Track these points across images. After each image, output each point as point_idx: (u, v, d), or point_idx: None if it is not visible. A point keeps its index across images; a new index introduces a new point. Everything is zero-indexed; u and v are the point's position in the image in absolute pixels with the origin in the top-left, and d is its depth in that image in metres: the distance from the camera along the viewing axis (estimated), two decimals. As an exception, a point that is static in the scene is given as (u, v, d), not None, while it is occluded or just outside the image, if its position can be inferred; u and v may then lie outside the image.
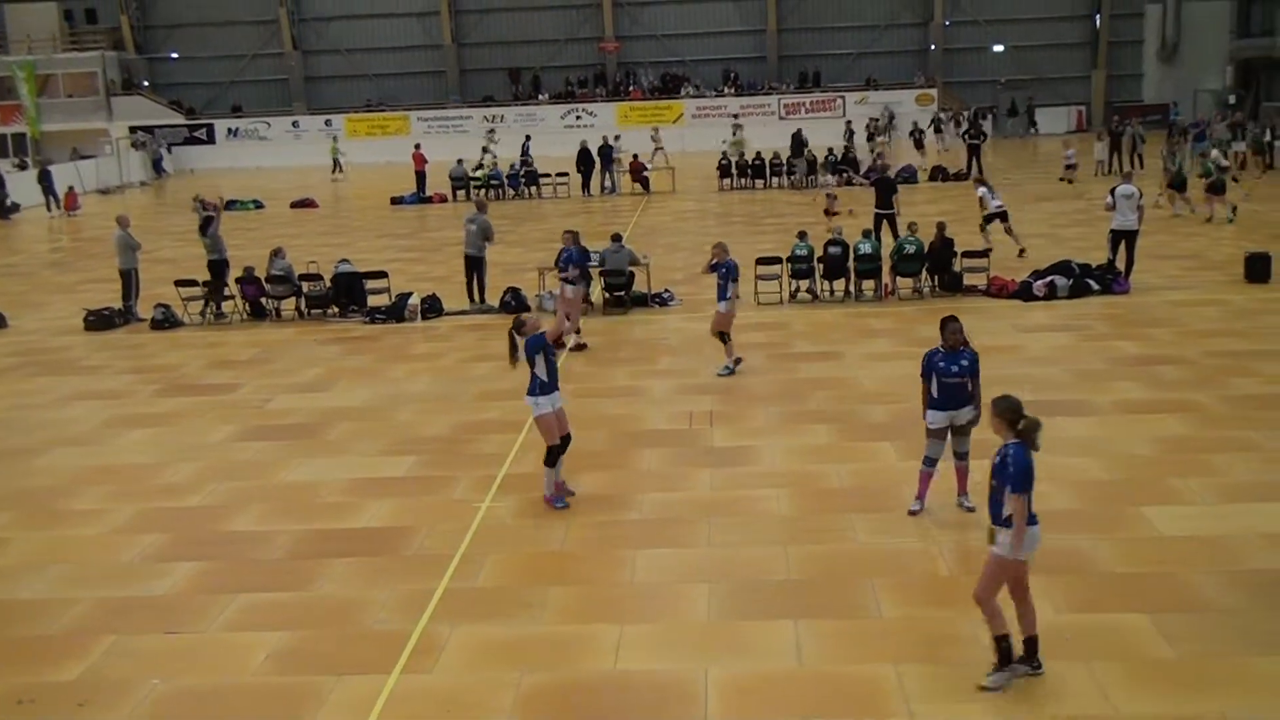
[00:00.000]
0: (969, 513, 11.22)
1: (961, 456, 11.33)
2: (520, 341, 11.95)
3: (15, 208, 43.66)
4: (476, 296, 21.95)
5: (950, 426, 11.17)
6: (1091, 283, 21.02)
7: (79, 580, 10.84)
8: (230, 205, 40.46)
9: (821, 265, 21.46)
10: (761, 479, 12.63)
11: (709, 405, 15.40)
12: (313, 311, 21.90)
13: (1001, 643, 8.27)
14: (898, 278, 21.48)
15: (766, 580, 10.21)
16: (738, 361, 17.01)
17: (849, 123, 50.81)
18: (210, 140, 61.39)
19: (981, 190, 26.28)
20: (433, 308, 21.56)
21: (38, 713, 8.56)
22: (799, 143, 42.13)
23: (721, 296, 16.62)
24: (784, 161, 41.04)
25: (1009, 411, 8.19)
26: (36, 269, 30.64)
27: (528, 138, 46.39)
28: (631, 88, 61.32)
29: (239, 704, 8.59)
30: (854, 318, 20.14)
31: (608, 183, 41.43)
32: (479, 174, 41.41)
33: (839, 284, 21.61)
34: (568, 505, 12.06)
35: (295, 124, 61.45)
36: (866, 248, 21.44)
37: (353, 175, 51.41)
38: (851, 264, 21.39)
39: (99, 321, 21.89)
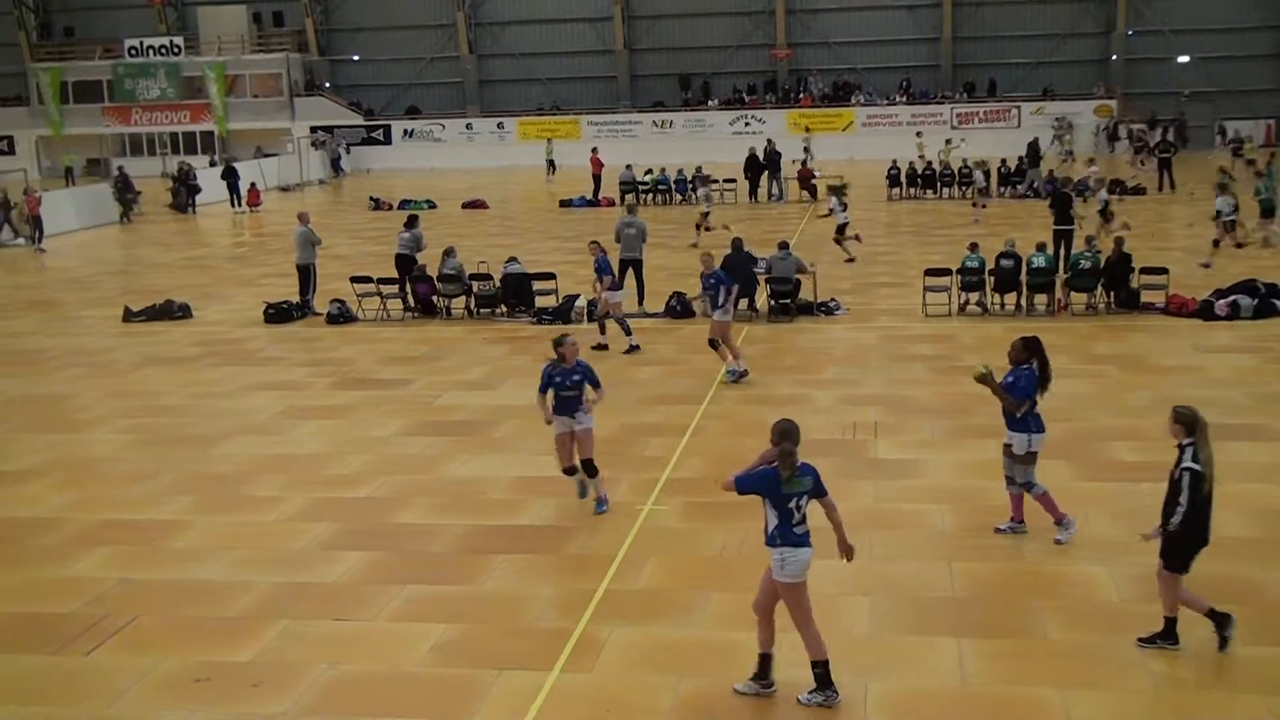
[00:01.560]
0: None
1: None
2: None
3: (196, 192, 45.13)
4: (637, 300, 22.04)
5: None
6: (1278, 303, 20.22)
7: (254, 565, 11.21)
8: (404, 205, 41.50)
9: (993, 278, 21.07)
10: (925, 493, 12.46)
11: (873, 416, 15.24)
12: (481, 311, 22.29)
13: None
14: (1071, 292, 20.96)
15: (929, 596, 10.06)
16: (743, 374, 17.15)
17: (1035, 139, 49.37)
18: (387, 141, 62.95)
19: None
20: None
21: (213, 691, 8.86)
22: (1034, 151, 41.35)
23: (715, 306, 16.96)
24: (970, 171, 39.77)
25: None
26: (220, 262, 31.79)
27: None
28: (801, 95, 61.03)
29: (404, 693, 8.78)
30: (1024, 333, 19.67)
31: (775, 190, 41.30)
32: (648, 179, 41.65)
33: (1009, 297, 21.18)
34: (605, 510, 12.17)
35: (469, 126, 62.64)
36: (1040, 261, 20.98)
37: (560, 178, 51.62)
38: (1024, 277, 20.95)
39: (278, 315, 22.62)
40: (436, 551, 11.44)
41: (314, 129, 60.59)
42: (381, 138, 63.04)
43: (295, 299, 23.24)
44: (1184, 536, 8.66)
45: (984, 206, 36.37)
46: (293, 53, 64.31)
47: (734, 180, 41.40)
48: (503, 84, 64.56)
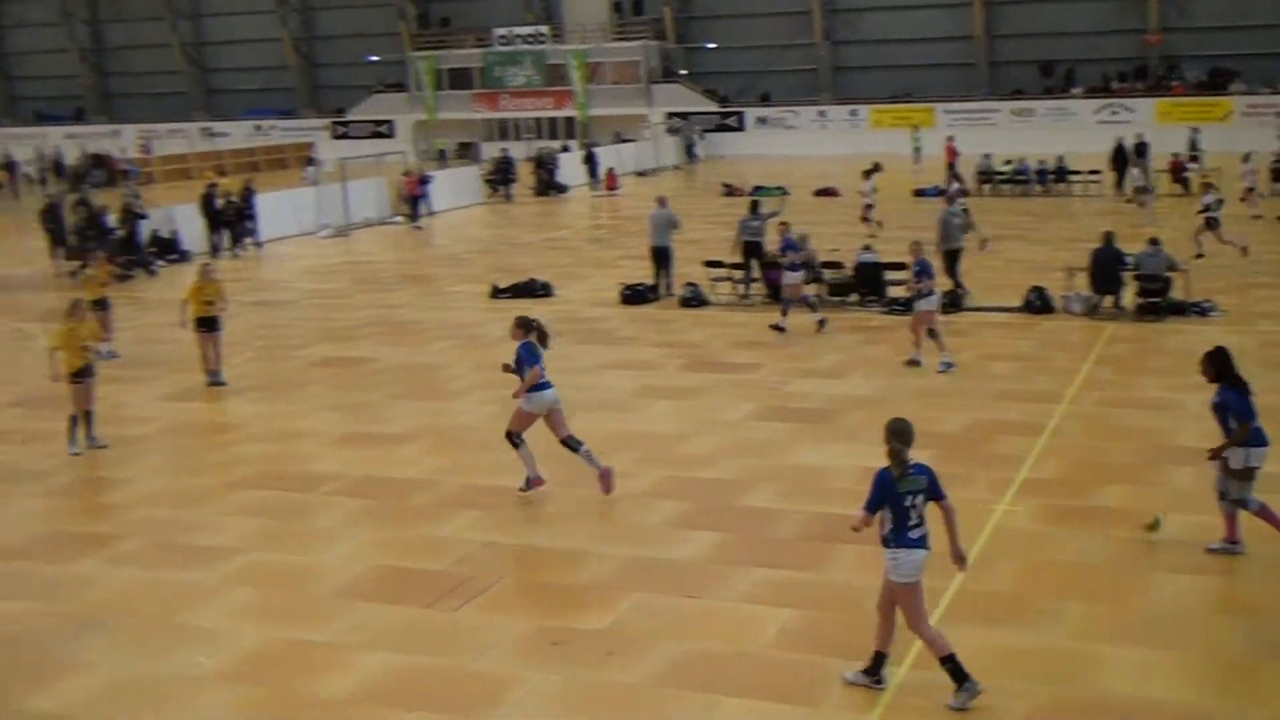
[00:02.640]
0: None
1: None
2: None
3: (560, 186, 47.06)
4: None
5: None
6: None
7: (609, 537, 11.58)
8: (755, 191, 41.78)
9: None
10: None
11: (1250, 425, 14.28)
12: (833, 298, 22.20)
13: None
14: None
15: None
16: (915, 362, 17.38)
17: None
18: (740, 128, 63.55)
19: None
20: (953, 302, 21.28)
21: (568, 655, 9.21)
22: None
23: (922, 295, 17.23)
24: None
25: None
26: (579, 244, 32.94)
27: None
28: (1174, 83, 57.76)
29: (751, 673, 8.87)
30: None
31: (1144, 182, 39.21)
32: (1007, 168, 40.43)
33: None
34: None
35: (821, 113, 62.45)
36: None
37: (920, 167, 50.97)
38: None
39: (633, 296, 23.24)
40: (783, 536, 11.50)
41: (669, 115, 61.85)
42: (735, 124, 63.69)
43: (651, 281, 23.78)
44: None
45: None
46: (650, 40, 65.79)
47: (1098, 172, 39.64)
48: (856, 70, 64.01)
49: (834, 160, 55.04)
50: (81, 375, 14.76)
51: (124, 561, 11.51)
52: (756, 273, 22.98)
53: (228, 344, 18.85)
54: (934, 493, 8.41)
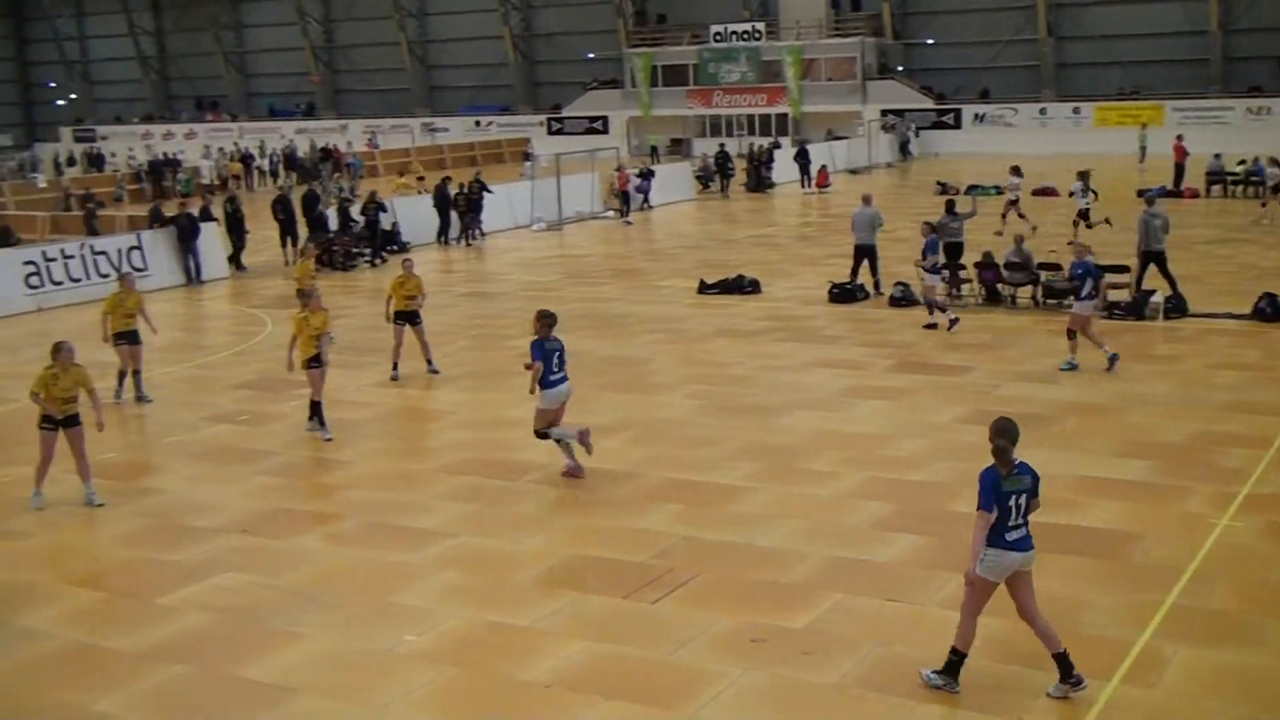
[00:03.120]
0: None
1: None
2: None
3: (770, 182, 46.94)
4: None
5: None
6: None
7: (811, 536, 11.49)
8: (970, 190, 40.89)
9: None
10: None
11: None
12: (1049, 301, 21.58)
13: None
14: None
15: None
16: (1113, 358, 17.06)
17: None
18: (956, 125, 62.33)
19: None
20: (1176, 307, 20.46)
21: (767, 653, 9.17)
22: None
23: (1079, 297, 17.19)
24: None
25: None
26: (788, 241, 32.79)
27: None
28: None
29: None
30: None
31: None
32: (1239, 168, 38.64)
33: None
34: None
35: (1042, 111, 60.79)
36: None
37: (1146, 166, 49.29)
38: None
39: (842, 294, 23.01)
40: (991, 543, 11.20)
41: (884, 112, 61.03)
42: (951, 122, 62.49)
43: (860, 280, 23.50)
44: None
45: None
46: (868, 36, 65.02)
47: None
48: (1080, 67, 62.02)
49: (1055, 159, 53.47)
50: (314, 363, 15.33)
51: (340, 540, 11.95)
52: (971, 275, 22.48)
53: (443, 333, 19.41)
54: (1034, 492, 8.46)
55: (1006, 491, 8.26)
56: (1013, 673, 8.76)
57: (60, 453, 13.10)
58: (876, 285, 23.38)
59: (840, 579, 10.48)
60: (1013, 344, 19.10)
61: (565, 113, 72.02)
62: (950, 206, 24.42)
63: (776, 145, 53.18)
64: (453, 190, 34.72)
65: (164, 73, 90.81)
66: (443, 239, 34.04)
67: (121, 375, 17.26)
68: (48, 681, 9.23)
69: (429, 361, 18.40)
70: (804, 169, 46.71)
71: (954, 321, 20.10)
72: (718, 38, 66.96)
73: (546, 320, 13.26)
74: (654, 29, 71.93)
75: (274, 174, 57.03)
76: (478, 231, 34.67)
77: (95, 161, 66.98)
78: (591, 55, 71.85)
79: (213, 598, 10.62)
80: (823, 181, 45.83)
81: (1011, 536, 8.28)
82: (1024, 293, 22.04)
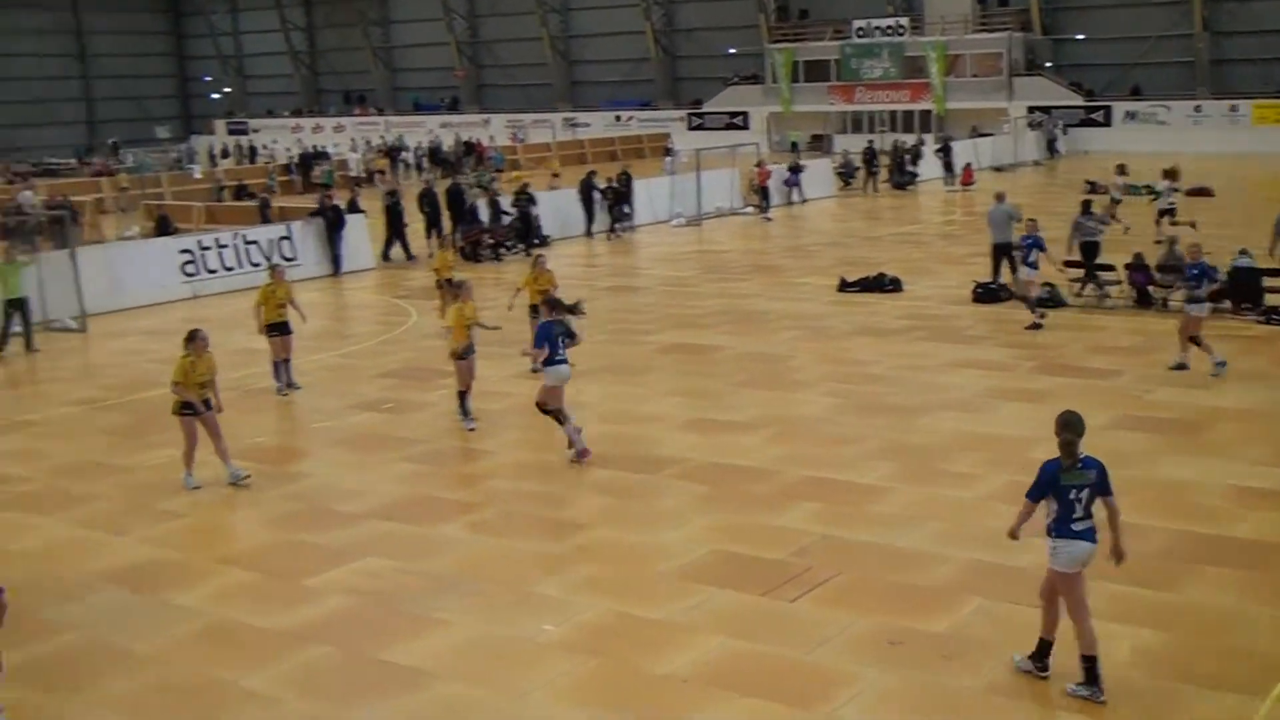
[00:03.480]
0: None
1: None
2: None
3: (912, 178, 46.33)
4: None
5: None
6: None
7: (951, 539, 11.33)
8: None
9: None
10: None
11: None
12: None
13: None
14: None
15: None
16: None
17: None
18: (1106, 123, 60.81)
19: None
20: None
21: (906, 655, 9.07)
22: None
23: (1197, 299, 17.04)
24: None
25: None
26: (931, 239, 32.35)
27: None
28: None
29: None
30: None
31: None
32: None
33: None
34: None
35: (1197, 109, 58.99)
36: None
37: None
38: None
39: (986, 294, 22.62)
40: (1140, 552, 10.84)
41: (1031, 109, 59.80)
42: (1100, 119, 60.99)
43: (987, 279, 23.08)
44: None
45: None
46: (1015, 31, 63.76)
47: None
48: (1238, 63, 60.01)
49: (1209, 159, 51.93)
50: (465, 354, 15.58)
51: (481, 529, 12.11)
52: (1121, 275, 21.92)
53: (583, 326, 19.46)
54: (1103, 488, 8.52)
55: (1065, 485, 8.41)
56: (1166, 689, 8.52)
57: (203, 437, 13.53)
58: (992, 284, 22.94)
59: (982, 583, 10.31)
60: (1163, 348, 18.54)
61: (705, 108, 71.98)
62: (1086, 206, 24.01)
63: (921, 142, 52.53)
64: (600, 184, 35.07)
65: (314, 67, 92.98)
66: (588, 231, 34.38)
67: (276, 365, 17.72)
68: (198, 657, 9.53)
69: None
70: (947, 165, 46.00)
71: (1038, 325, 20.00)
72: (860, 33, 66.30)
73: (552, 306, 14.38)
74: (796, 24, 71.48)
75: (419, 168, 57.99)
76: (626, 225, 34.96)
77: (248, 154, 68.83)
78: (733, 51, 71.68)
79: (357, 581, 10.85)
80: (967, 179, 45.10)
81: (1077, 528, 8.42)
82: (1176, 296, 21.38)
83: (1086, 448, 13.78)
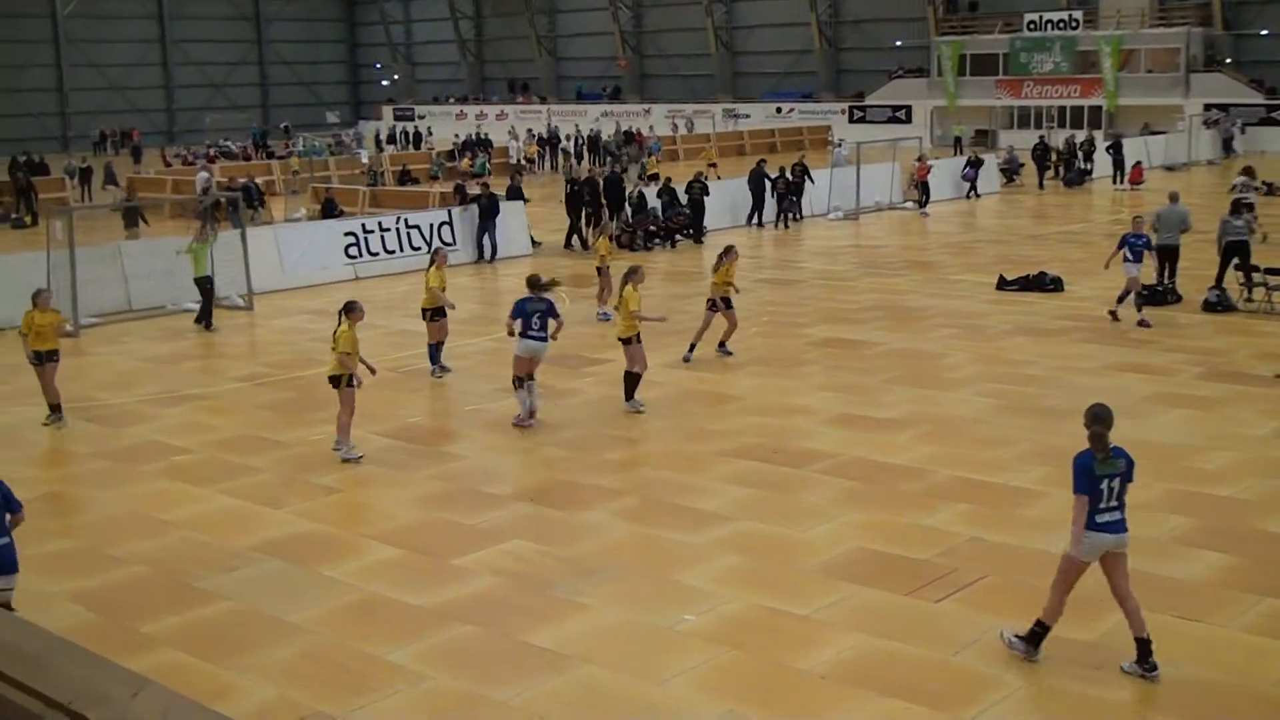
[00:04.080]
0: None
1: None
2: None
3: (1088, 173, 45.21)
4: None
5: None
6: None
7: (1105, 546, 11.00)
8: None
9: None
10: None
11: None
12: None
13: None
14: None
15: None
16: None
17: None
18: (1287, 122, 58.52)
19: None
20: None
21: (1051, 664, 8.89)
22: None
23: None
24: None
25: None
26: (1097, 238, 31.47)
27: None
28: None
29: (1249, 709, 8.22)
30: None
31: None
32: None
33: None
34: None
35: (1386, 108, 56.40)
36: None
37: None
38: None
39: (1151, 297, 21.91)
40: (1305, 569, 10.51)
41: (1207, 107, 57.78)
42: (1280, 118, 58.72)
43: (1165, 282, 22.41)
44: None
45: None
46: (1194, 27, 61.66)
47: None
48: None
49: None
50: (629, 340, 15.75)
51: (625, 516, 12.20)
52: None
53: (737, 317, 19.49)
54: (1130, 477, 8.77)
55: (1100, 475, 8.60)
56: (1323, 708, 8.20)
57: (364, 414, 13.89)
58: (1172, 287, 22.23)
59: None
60: (1339, 357, 17.81)
61: (868, 101, 71.19)
62: (1235, 206, 23.14)
63: (1091, 139, 51.18)
64: (773, 173, 35.15)
65: (480, 55, 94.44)
66: (752, 222, 34.46)
67: (432, 348, 18.04)
68: (347, 630, 9.78)
69: (721, 344, 18.57)
70: (1118, 163, 44.73)
71: (1142, 323, 20.14)
72: (1031, 26, 64.83)
73: (530, 283, 15.45)
74: (964, 17, 70.24)
75: (578, 156, 58.44)
76: (796, 214, 35.14)
77: (414, 140, 70.19)
78: (899, 43, 70.75)
79: (503, 562, 11.02)
80: (1137, 178, 43.78)
81: (1102, 519, 8.60)
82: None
83: (1252, 458, 13.40)
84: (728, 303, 18.41)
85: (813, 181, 36.22)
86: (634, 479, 13.41)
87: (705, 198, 32.53)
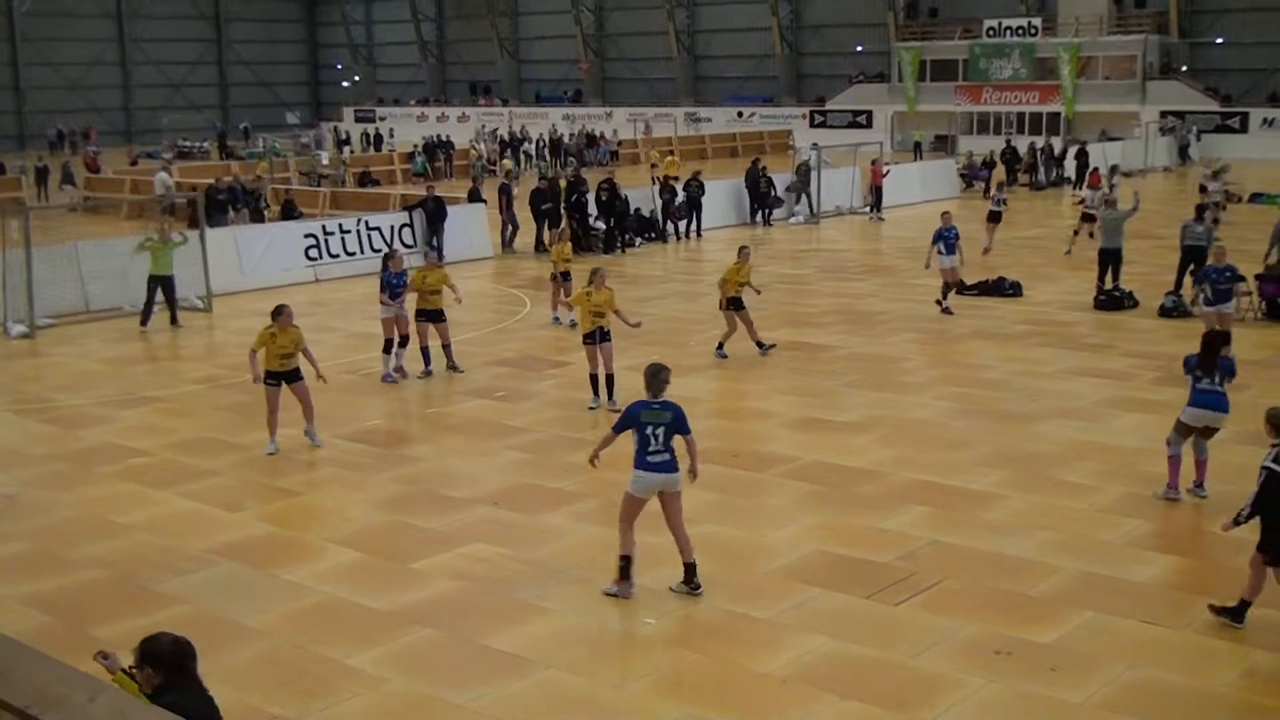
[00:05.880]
0: None
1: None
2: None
3: (1067, 179, 45.75)
4: None
5: None
6: None
7: (1062, 549, 11.12)
8: (1254, 199, 38.93)
9: None
10: None
11: None
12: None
13: None
14: None
15: None
16: None
17: None
18: (1242, 129, 59.14)
19: None
20: None
21: (1011, 666, 8.94)
22: None
23: None
24: None
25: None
26: (1054, 244, 31.70)
27: None
28: None
29: (1206, 713, 8.29)
30: None
31: None
32: None
33: None
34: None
35: (1340, 117, 57.15)
36: None
37: None
38: None
39: (1109, 301, 22.15)
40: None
41: (1164, 114, 58.35)
42: (1236, 126, 59.31)
43: (1109, 285, 22.62)
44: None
45: None
46: (1151, 34, 62.29)
47: None
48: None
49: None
50: (591, 339, 15.75)
51: (585, 518, 12.19)
52: (1251, 286, 21.32)
53: (695, 320, 19.63)
54: (684, 429, 10.14)
55: (644, 422, 10.10)
56: (1276, 709, 8.29)
57: (323, 416, 13.81)
58: (1129, 293, 22.44)
59: (1092, 596, 10.10)
60: (1294, 362, 18.04)
61: (829, 106, 71.48)
62: (1199, 211, 23.42)
63: (1050, 145, 51.58)
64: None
65: (441, 57, 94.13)
66: (755, 219, 35.72)
67: (424, 349, 17.91)
68: (306, 634, 9.72)
69: (720, 345, 18.69)
70: (1080, 169, 45.11)
71: (946, 310, 21.62)
72: (991, 33, 65.30)
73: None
74: (925, 23, 70.64)
75: (541, 158, 58.36)
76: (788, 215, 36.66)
77: (375, 142, 69.85)
78: (860, 48, 71.07)
79: (464, 566, 10.99)
80: (1094, 183, 44.12)
81: (654, 460, 10.01)
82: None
83: (1211, 464, 13.51)
84: (739, 303, 18.51)
85: (774, 187, 36.37)
86: (596, 482, 13.35)
87: (702, 196, 33.02)
